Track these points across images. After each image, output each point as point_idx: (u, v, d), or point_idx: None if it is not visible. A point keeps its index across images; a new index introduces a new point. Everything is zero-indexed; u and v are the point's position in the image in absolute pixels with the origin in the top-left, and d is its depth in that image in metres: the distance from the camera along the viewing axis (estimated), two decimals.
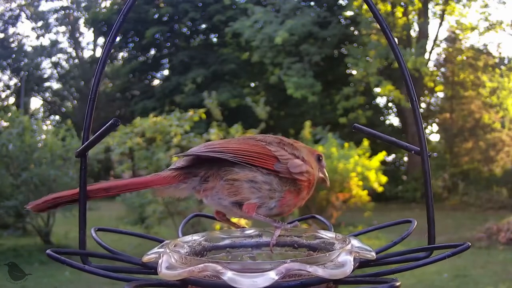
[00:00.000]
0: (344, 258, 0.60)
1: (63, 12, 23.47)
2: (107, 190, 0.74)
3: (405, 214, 9.88)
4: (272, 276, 0.53)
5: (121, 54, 22.00)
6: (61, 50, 23.76)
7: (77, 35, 23.78)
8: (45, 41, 25.17)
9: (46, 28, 23.28)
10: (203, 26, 19.51)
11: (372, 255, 0.65)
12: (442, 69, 16.68)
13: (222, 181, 0.77)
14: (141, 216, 7.07)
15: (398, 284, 0.54)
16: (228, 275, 0.53)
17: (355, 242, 0.68)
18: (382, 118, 18.50)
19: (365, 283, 0.61)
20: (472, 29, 15.44)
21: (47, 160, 7.25)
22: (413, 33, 16.02)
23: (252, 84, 18.83)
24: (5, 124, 7.72)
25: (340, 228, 7.87)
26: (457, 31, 15.82)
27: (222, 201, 0.79)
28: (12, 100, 22.70)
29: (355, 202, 8.26)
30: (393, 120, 19.33)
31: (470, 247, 0.63)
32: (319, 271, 0.55)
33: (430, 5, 15.81)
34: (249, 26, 15.03)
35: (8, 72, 22.48)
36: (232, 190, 0.77)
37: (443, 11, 15.44)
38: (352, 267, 0.58)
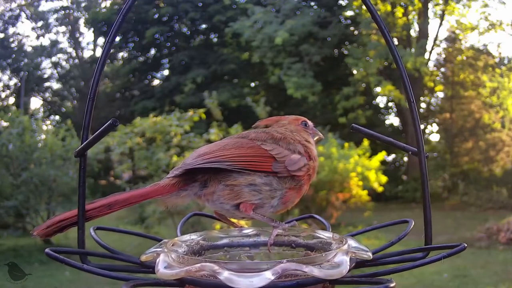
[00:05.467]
0: (340, 258, 0.60)
1: (63, 12, 23.44)
2: (110, 207, 0.72)
3: (405, 214, 9.87)
4: (268, 276, 0.53)
5: (121, 54, 21.97)
6: (61, 50, 23.72)
7: (77, 35, 23.77)
8: (45, 41, 25.11)
9: (46, 28, 23.25)
10: (203, 26, 19.49)
11: (369, 255, 0.66)
12: (442, 69, 16.69)
13: (222, 185, 0.77)
14: (141, 216, 7.07)
15: (392, 285, 0.54)
16: (225, 275, 0.54)
17: (351, 242, 0.69)
18: (382, 118, 18.50)
19: (361, 283, 0.61)
20: (472, 29, 15.44)
21: (47, 160, 7.24)
22: (413, 33, 16.02)
23: (252, 84, 18.81)
24: (5, 124, 7.71)
25: (340, 228, 7.86)
26: (457, 31, 15.83)
27: (224, 206, 0.79)
28: (12, 100, 22.67)
29: (355, 202, 8.26)
30: (393, 120, 19.36)
31: (470, 247, 0.64)
32: (315, 271, 0.55)
33: (430, 5, 15.80)
34: (249, 26, 15.02)
35: (8, 72, 22.44)
36: (232, 194, 0.77)
37: (443, 11, 15.43)
38: (348, 267, 0.59)
